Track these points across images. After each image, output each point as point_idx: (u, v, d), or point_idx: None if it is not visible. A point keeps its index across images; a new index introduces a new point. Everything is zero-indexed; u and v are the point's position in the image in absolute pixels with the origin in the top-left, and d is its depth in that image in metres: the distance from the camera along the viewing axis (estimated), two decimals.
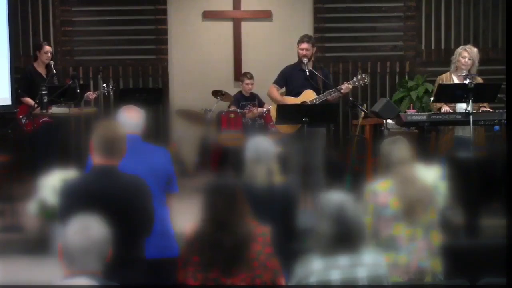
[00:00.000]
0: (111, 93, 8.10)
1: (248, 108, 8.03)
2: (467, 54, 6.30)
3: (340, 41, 9.06)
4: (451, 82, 6.36)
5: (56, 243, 2.97)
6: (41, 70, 7.32)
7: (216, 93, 8.26)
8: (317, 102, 6.43)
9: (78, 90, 6.76)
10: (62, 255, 2.64)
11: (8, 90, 7.10)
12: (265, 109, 7.81)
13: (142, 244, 3.35)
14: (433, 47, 9.04)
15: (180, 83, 9.05)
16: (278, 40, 8.84)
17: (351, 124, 8.70)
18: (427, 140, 6.46)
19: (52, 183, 3.70)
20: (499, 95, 6.26)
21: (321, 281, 2.86)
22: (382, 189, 3.73)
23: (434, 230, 3.73)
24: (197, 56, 8.98)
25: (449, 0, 8.99)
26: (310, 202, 5.10)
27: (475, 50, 6.37)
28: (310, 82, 6.52)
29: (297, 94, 6.57)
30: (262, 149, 3.90)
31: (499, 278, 3.48)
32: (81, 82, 8.33)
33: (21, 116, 7.06)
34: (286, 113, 6.19)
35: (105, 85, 8.04)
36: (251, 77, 8.19)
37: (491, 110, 6.35)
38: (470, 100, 5.93)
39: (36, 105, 6.79)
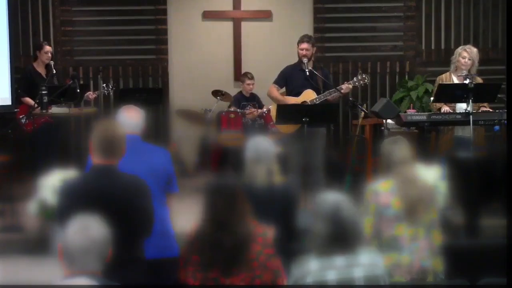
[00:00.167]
0: (111, 93, 8.10)
1: (248, 108, 8.03)
2: (466, 54, 6.30)
3: (340, 41, 9.06)
4: (451, 82, 6.36)
5: (56, 243, 2.98)
6: (41, 70, 7.31)
7: (216, 93, 8.26)
8: (317, 102, 6.43)
9: (78, 90, 6.76)
10: (62, 255, 2.64)
11: (8, 90, 7.10)
12: (265, 110, 7.81)
13: (142, 244, 3.35)
14: (433, 47, 9.04)
15: (180, 83, 9.05)
16: (278, 40, 8.84)
17: (351, 124, 8.71)
18: (427, 140, 6.46)
19: (52, 183, 3.70)
20: (499, 95, 6.26)
21: (317, 281, 2.86)
22: (383, 189, 3.73)
23: (435, 230, 3.73)
24: (197, 56, 8.98)
25: (449, 0, 8.99)
26: (310, 202, 5.10)
27: (474, 50, 6.37)
28: (310, 82, 6.52)
29: (297, 94, 6.57)
30: (262, 149, 3.90)
31: (499, 278, 3.48)
32: (81, 82, 8.33)
33: (21, 116, 7.05)
34: (286, 113, 6.19)
35: (105, 85, 8.04)
36: (252, 78, 8.19)
37: (491, 110, 6.35)
38: (470, 100, 5.93)
39: (36, 105, 6.78)
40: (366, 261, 2.91)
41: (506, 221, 4.08)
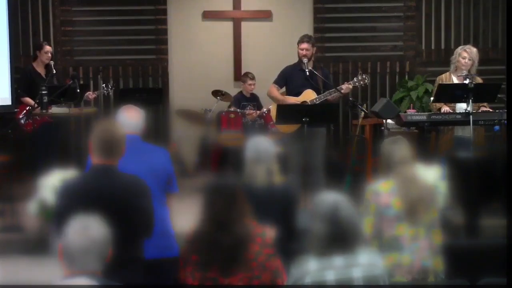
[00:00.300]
0: (111, 93, 8.10)
1: (248, 109, 8.04)
2: (466, 55, 6.29)
3: (340, 41, 9.06)
4: (451, 82, 6.36)
5: (55, 243, 2.98)
6: (40, 70, 7.31)
7: (216, 93, 8.26)
8: (317, 102, 6.43)
9: (78, 90, 6.76)
10: (62, 255, 2.63)
11: (8, 90, 7.10)
12: (265, 110, 7.81)
13: (142, 244, 3.35)
14: (433, 47, 9.04)
15: (180, 83, 9.05)
16: (278, 40, 8.84)
17: (351, 124, 8.70)
18: (427, 140, 6.46)
19: (52, 183, 3.70)
20: (499, 95, 6.26)
21: (316, 281, 2.86)
22: (384, 190, 3.73)
23: (436, 229, 3.73)
24: (197, 56, 8.98)
25: (449, 0, 8.99)
26: (310, 202, 5.10)
27: (474, 50, 6.37)
28: (310, 82, 6.52)
29: (297, 94, 6.57)
30: (262, 149, 3.90)
31: (499, 278, 3.48)
32: (81, 82, 8.33)
33: (20, 116, 7.05)
34: (286, 113, 6.19)
35: (104, 85, 8.04)
36: (253, 78, 8.18)
37: (491, 110, 6.35)
38: (470, 100, 5.93)
39: (36, 105, 6.78)
40: (365, 261, 2.91)
41: (506, 221, 4.08)
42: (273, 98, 6.75)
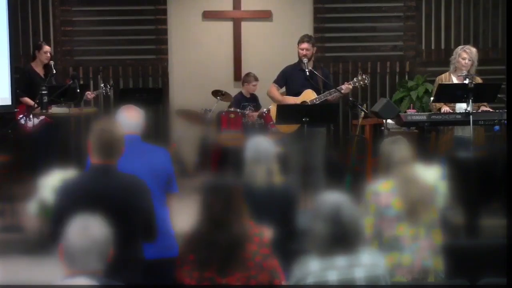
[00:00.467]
0: (110, 93, 8.10)
1: (248, 109, 8.04)
2: (466, 55, 6.29)
3: (340, 41, 9.06)
4: (451, 83, 6.36)
5: (54, 242, 2.98)
6: (39, 70, 7.31)
7: (216, 93, 8.26)
8: (317, 102, 6.43)
9: (78, 90, 6.76)
10: (63, 255, 2.63)
11: (8, 90, 7.10)
12: (265, 110, 7.81)
13: (141, 244, 3.34)
14: (433, 47, 9.04)
15: (180, 83, 9.05)
16: (278, 40, 8.84)
17: (351, 124, 8.71)
18: (427, 140, 6.46)
19: (52, 183, 3.69)
20: (499, 95, 6.26)
21: (318, 281, 2.86)
22: (384, 190, 3.73)
23: (436, 229, 3.73)
24: (197, 56, 8.98)
25: (449, 0, 8.99)
26: (310, 202, 5.09)
27: (474, 50, 6.37)
28: (310, 82, 6.52)
29: (297, 94, 6.57)
30: (262, 149, 3.90)
31: (499, 278, 3.48)
32: (81, 82, 8.33)
33: (20, 116, 7.05)
34: (286, 113, 6.19)
35: (102, 85, 8.04)
36: (257, 79, 8.18)
37: (491, 109, 6.34)
38: (470, 100, 5.93)
39: (36, 105, 6.79)
40: (367, 261, 2.91)
41: (506, 221, 4.09)
42: (272, 98, 6.75)
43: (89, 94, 7.71)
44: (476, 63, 6.35)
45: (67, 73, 8.46)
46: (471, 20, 9.00)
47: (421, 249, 3.67)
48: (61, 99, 6.79)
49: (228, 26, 9.01)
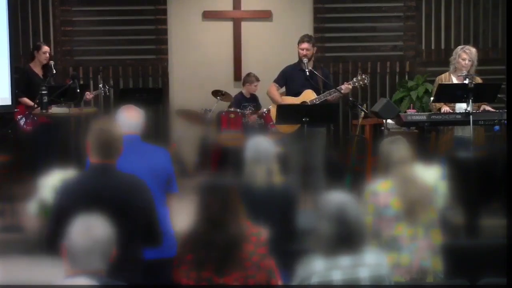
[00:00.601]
0: (109, 93, 8.10)
1: (248, 109, 8.04)
2: (466, 56, 6.28)
3: (340, 41, 9.06)
4: (451, 83, 6.36)
5: (52, 241, 2.98)
6: (38, 71, 7.31)
7: (216, 93, 8.26)
8: (317, 102, 6.43)
9: (78, 90, 6.76)
10: (66, 255, 2.63)
11: (8, 90, 7.09)
12: (265, 110, 7.81)
13: (140, 243, 3.34)
14: (433, 47, 9.04)
15: (180, 83, 9.05)
16: (278, 40, 8.84)
17: (351, 124, 8.71)
18: (427, 140, 6.46)
19: (52, 183, 3.69)
20: (499, 95, 6.26)
21: (323, 281, 2.86)
22: (382, 190, 3.73)
23: (434, 229, 3.73)
24: (197, 56, 8.98)
25: (449, 0, 8.99)
26: (310, 202, 5.09)
27: (473, 50, 6.36)
28: (310, 82, 6.52)
29: (297, 94, 6.57)
30: (262, 149, 3.90)
31: (499, 278, 3.48)
32: (81, 82, 8.33)
33: (19, 117, 7.05)
34: (286, 113, 6.19)
35: (101, 85, 8.03)
36: (258, 79, 8.18)
37: (492, 109, 6.34)
38: (470, 100, 5.93)
39: (36, 105, 6.78)
40: (372, 261, 2.91)
41: (506, 221, 4.09)
42: (272, 98, 6.74)
43: (88, 95, 7.71)
44: (476, 63, 6.35)
45: (67, 73, 8.46)
46: (471, 20, 9.00)
47: (420, 249, 3.67)
48: (61, 99, 6.79)
49: (228, 26, 9.01)
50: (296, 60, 6.68)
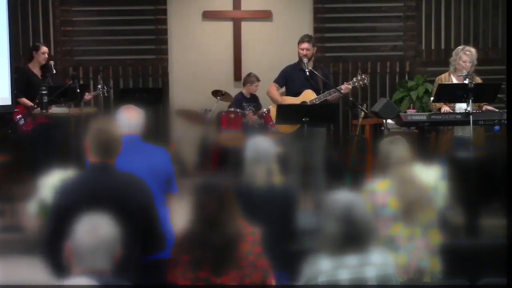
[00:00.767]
0: (107, 93, 8.09)
1: (249, 109, 8.04)
2: (467, 58, 6.28)
3: (340, 41, 9.06)
4: (450, 83, 6.36)
5: (52, 241, 2.98)
6: (36, 71, 7.31)
7: (216, 93, 8.26)
8: (317, 102, 6.43)
9: (78, 90, 6.76)
10: (71, 254, 2.63)
11: (8, 90, 7.09)
12: (265, 110, 7.81)
13: (141, 243, 3.34)
14: (433, 47, 9.04)
15: (180, 83, 9.05)
16: (278, 40, 8.84)
17: (351, 124, 8.71)
18: (427, 140, 6.46)
19: (52, 183, 3.70)
20: (499, 95, 6.26)
21: (329, 281, 2.85)
22: (380, 189, 3.73)
23: (433, 229, 3.73)
24: (197, 56, 8.98)
25: (449, 0, 8.99)
26: (310, 202, 5.10)
27: (473, 51, 6.36)
28: (310, 82, 6.52)
29: (297, 94, 6.57)
30: (262, 149, 3.90)
31: (499, 278, 3.48)
32: (81, 82, 8.33)
33: (18, 117, 7.05)
34: (286, 113, 6.19)
35: (100, 86, 8.03)
36: (259, 79, 8.18)
37: (493, 108, 6.34)
38: (470, 100, 5.93)
39: (36, 105, 6.78)
40: (378, 261, 2.91)
41: (506, 221, 4.09)
42: (271, 98, 6.74)
43: (87, 95, 7.71)
44: (475, 62, 6.35)
45: (67, 73, 8.46)
46: (471, 20, 9.00)
47: (417, 249, 3.67)
48: (61, 99, 6.79)
49: (228, 26, 9.02)
50: (296, 60, 6.68)
